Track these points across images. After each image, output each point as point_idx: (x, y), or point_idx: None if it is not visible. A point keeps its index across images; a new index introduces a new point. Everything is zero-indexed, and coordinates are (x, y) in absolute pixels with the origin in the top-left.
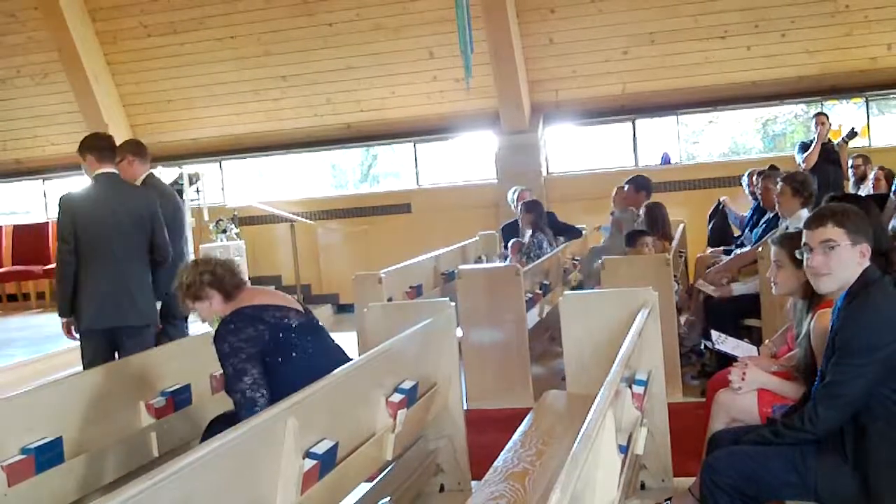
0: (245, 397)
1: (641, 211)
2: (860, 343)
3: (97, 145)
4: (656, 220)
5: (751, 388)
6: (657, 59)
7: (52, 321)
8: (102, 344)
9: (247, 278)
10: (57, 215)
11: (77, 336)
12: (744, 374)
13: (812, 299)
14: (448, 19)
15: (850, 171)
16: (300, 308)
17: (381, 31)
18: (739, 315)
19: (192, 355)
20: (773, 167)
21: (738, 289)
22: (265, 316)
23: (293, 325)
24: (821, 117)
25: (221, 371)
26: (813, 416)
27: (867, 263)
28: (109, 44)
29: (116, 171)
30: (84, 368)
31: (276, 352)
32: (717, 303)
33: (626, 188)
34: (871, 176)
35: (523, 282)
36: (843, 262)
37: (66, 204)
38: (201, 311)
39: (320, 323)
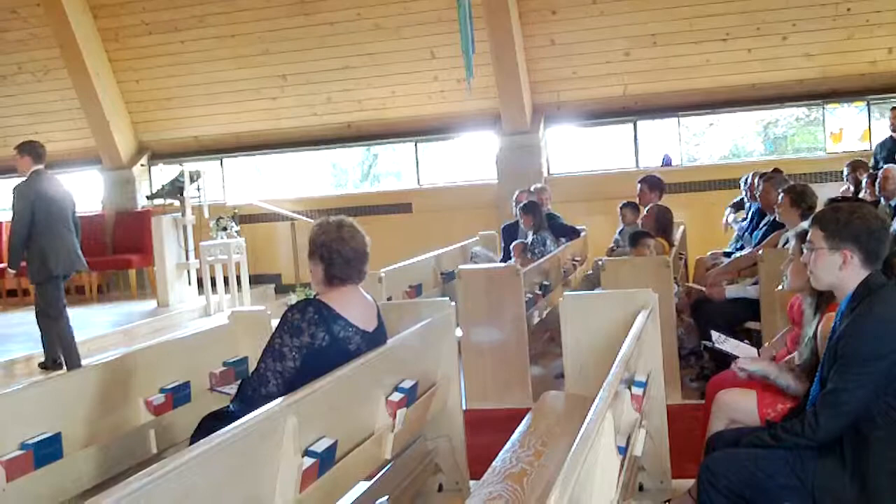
0: (261, 374)
1: (646, 210)
2: (863, 352)
3: (38, 151)
4: (660, 223)
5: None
6: (659, 61)
7: None
8: (61, 286)
9: (247, 276)
10: (14, 200)
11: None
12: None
13: (820, 299)
14: (449, 19)
15: (846, 180)
16: (371, 328)
17: (381, 30)
18: (730, 319)
19: (191, 352)
20: (776, 170)
21: (732, 292)
22: (335, 326)
23: (350, 349)
24: None
25: (221, 370)
26: (813, 424)
27: (857, 268)
28: (111, 41)
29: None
30: (50, 308)
31: (319, 363)
32: (708, 305)
33: (636, 199)
34: (864, 181)
35: (523, 282)
36: (819, 265)
37: (25, 191)
38: (309, 267)
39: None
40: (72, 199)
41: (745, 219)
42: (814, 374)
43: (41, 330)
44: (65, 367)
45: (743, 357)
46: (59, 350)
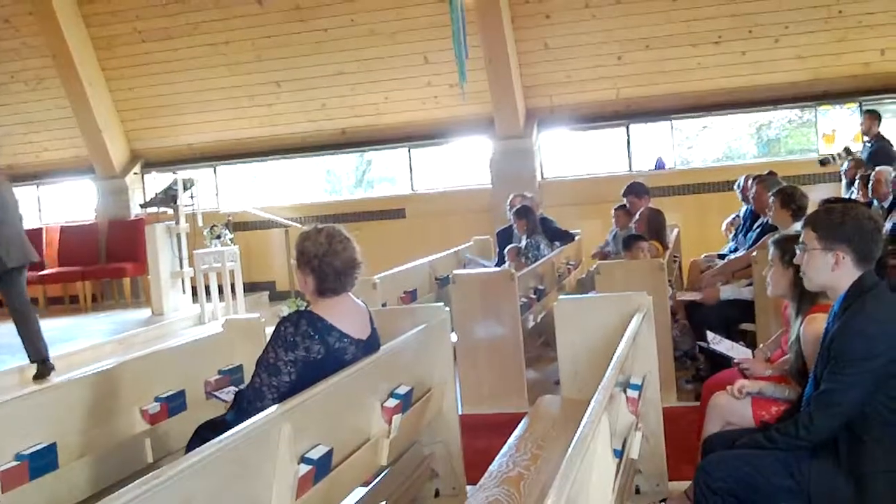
0: (256, 389)
1: (638, 214)
2: (856, 352)
3: None
4: (653, 226)
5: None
6: (651, 65)
7: (46, 326)
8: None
9: (241, 284)
10: None
11: None
12: (740, 390)
13: (801, 302)
14: (443, 25)
15: (843, 175)
16: (365, 336)
17: (375, 36)
18: (725, 321)
19: (186, 361)
20: (770, 173)
21: (726, 293)
22: (329, 337)
23: (346, 359)
24: None
25: (216, 378)
26: (808, 424)
27: (850, 269)
28: (104, 49)
29: None
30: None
31: (315, 375)
32: (703, 307)
33: (626, 204)
34: (856, 182)
35: (518, 286)
36: (812, 265)
37: None
38: (298, 277)
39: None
40: (13, 193)
41: (735, 214)
42: (801, 376)
43: (21, 329)
44: (51, 366)
45: (738, 358)
46: (42, 348)
